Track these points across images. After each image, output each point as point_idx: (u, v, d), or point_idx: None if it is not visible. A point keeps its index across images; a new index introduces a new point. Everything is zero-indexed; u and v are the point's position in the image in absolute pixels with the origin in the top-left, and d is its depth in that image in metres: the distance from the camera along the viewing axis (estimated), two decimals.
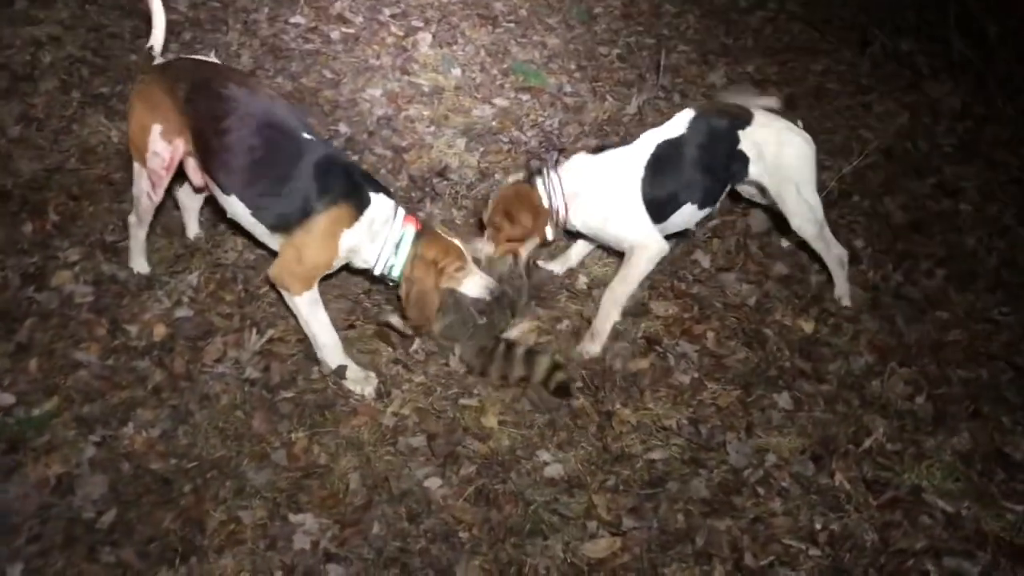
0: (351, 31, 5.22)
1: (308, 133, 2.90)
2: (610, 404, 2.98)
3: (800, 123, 3.48)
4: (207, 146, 2.86)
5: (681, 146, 3.24)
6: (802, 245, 3.59)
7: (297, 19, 5.24)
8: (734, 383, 3.11)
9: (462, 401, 2.92)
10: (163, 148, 2.93)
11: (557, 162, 3.36)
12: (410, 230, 2.95)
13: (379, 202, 2.90)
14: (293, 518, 2.48)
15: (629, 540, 2.51)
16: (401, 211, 2.97)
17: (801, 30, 5.98)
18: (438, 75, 4.93)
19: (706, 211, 3.40)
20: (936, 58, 5.35)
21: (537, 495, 2.63)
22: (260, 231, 2.94)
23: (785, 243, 3.82)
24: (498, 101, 4.78)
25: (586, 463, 2.76)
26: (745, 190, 3.65)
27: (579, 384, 3.04)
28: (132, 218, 3.22)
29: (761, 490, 2.71)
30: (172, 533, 2.43)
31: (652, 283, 3.48)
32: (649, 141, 3.26)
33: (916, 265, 3.77)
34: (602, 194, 3.21)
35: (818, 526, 2.60)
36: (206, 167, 2.93)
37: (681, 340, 3.27)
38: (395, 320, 3.10)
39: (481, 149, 4.35)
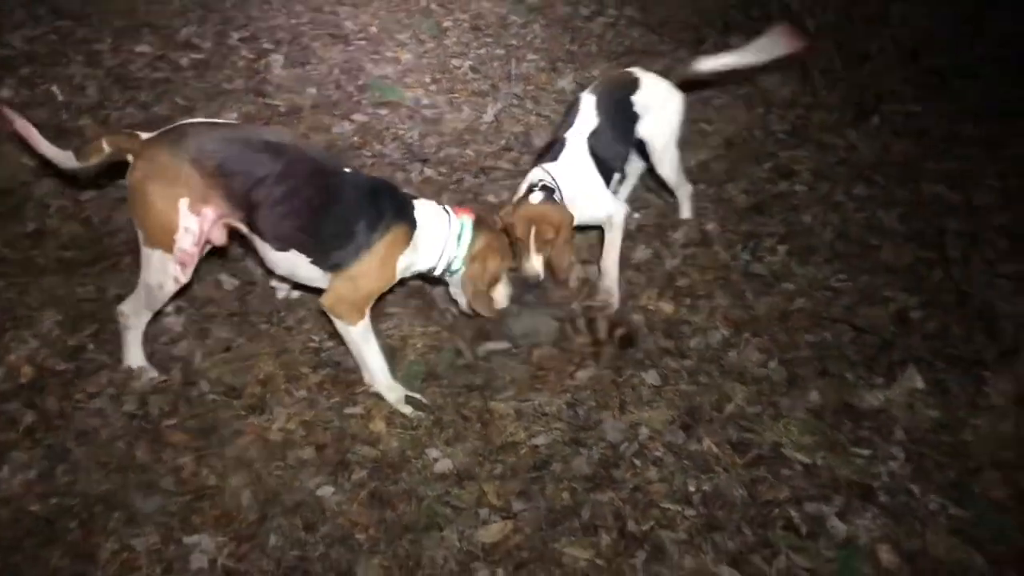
0: (200, 56, 5.17)
1: (345, 166, 2.96)
2: (499, 399, 3.11)
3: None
4: (254, 206, 2.77)
5: (604, 132, 3.60)
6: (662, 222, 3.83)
7: (143, 48, 5.15)
8: (606, 367, 3.29)
9: (347, 410, 2.98)
10: (193, 222, 2.75)
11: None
12: (467, 221, 3.12)
13: (424, 209, 3.05)
14: (188, 539, 2.48)
15: (520, 521, 2.64)
16: (448, 207, 3.12)
17: (641, 33, 6.29)
18: (294, 95, 4.95)
19: (621, 175, 3.85)
20: None
21: (429, 490, 2.72)
22: (316, 276, 2.95)
23: (631, 226, 4.09)
24: (357, 117, 4.84)
25: (474, 455, 2.87)
26: None
27: (479, 383, 3.19)
28: (128, 307, 2.96)
29: (638, 462, 2.88)
30: (62, 570, 2.39)
31: None
32: (579, 138, 3.56)
33: (761, 243, 4.06)
34: (587, 191, 3.52)
35: (692, 488, 2.80)
36: (254, 227, 2.84)
37: None
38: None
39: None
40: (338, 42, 5.62)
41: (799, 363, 3.36)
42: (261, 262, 3.11)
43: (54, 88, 4.62)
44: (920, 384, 3.24)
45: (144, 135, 2.79)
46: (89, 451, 2.74)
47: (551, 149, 3.59)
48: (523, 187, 3.49)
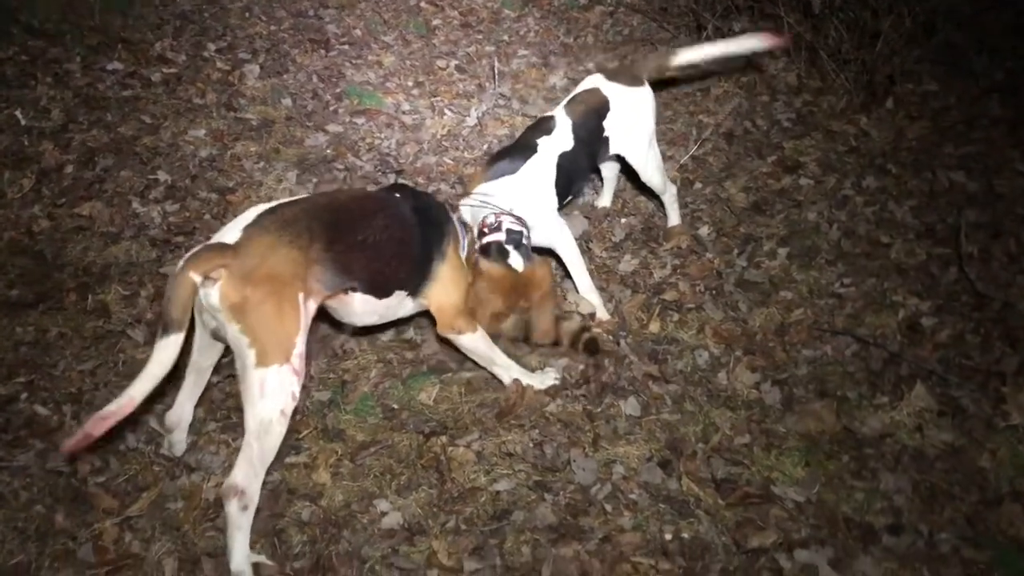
0: (173, 71, 4.97)
1: (395, 192, 2.89)
2: (466, 441, 2.84)
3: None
4: (354, 265, 2.54)
5: (575, 156, 3.35)
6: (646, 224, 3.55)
7: (114, 65, 4.95)
8: (584, 397, 3.01)
9: (289, 459, 2.73)
10: (306, 317, 2.38)
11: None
12: None
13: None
14: None
15: None
16: None
17: (640, 21, 5.97)
18: (267, 107, 4.73)
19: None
20: None
21: (374, 551, 2.45)
22: (410, 307, 2.88)
23: (618, 235, 3.81)
24: (332, 127, 4.61)
25: (427, 506, 2.61)
26: None
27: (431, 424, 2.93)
28: (242, 474, 2.28)
29: (609, 506, 2.60)
30: None
31: None
32: (550, 152, 3.29)
33: (759, 247, 3.75)
34: (538, 211, 3.21)
35: (668, 536, 2.50)
36: (352, 288, 2.58)
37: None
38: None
39: (314, 180, 4.17)
40: (318, 48, 5.38)
41: (795, 383, 3.05)
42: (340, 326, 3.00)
43: (17, 113, 4.45)
44: (930, 403, 2.92)
45: (226, 239, 2.30)
46: (6, 515, 2.51)
47: (509, 154, 3.28)
48: (480, 224, 3.10)
